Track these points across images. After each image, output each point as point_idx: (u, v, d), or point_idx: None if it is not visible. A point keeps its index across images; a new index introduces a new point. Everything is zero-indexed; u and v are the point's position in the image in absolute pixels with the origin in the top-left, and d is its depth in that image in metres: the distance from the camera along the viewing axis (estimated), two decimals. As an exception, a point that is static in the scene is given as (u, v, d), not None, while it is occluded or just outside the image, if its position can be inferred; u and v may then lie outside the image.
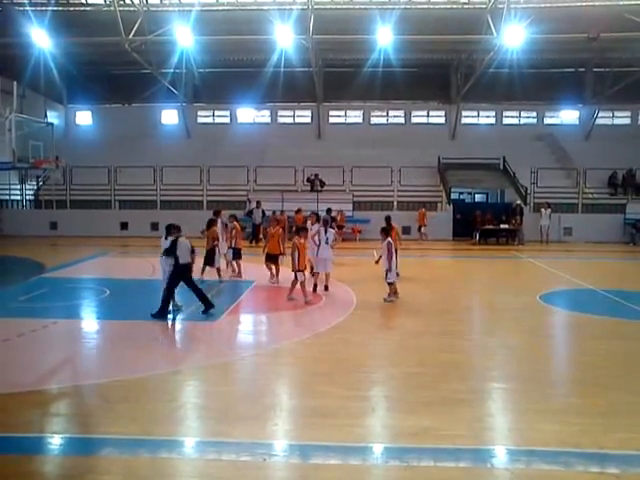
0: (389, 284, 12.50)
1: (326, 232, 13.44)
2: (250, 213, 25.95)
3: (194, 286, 11.02)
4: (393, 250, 12.55)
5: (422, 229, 26.23)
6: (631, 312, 11.70)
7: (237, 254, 15.14)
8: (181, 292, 11.11)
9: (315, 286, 13.39)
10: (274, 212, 22.68)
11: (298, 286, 12.35)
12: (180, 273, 10.71)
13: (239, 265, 15.26)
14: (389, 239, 12.59)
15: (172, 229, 11.05)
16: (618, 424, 6.13)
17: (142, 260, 17.59)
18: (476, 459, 5.37)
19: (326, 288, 13.55)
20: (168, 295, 10.79)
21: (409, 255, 22.35)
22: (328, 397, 6.83)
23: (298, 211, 21.71)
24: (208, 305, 10.95)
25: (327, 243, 13.36)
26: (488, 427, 6.18)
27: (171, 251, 10.71)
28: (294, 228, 14.52)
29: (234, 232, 15.02)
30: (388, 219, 16.61)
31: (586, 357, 8.77)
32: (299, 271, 12.17)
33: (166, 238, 11.06)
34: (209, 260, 14.31)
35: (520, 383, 7.51)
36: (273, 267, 14.39)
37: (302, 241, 12.48)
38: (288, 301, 12.24)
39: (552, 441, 5.68)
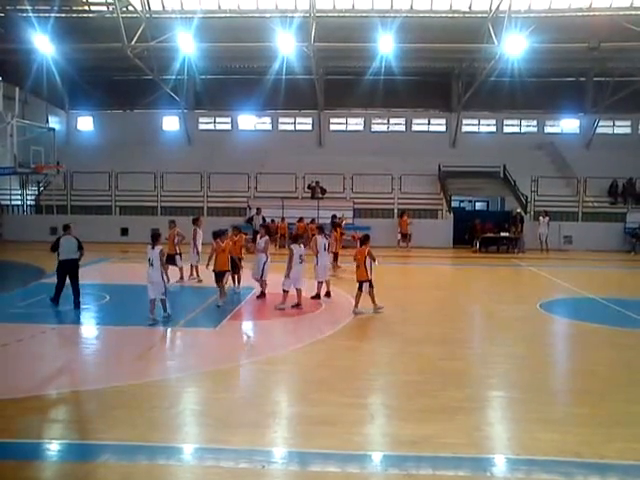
0: (284, 291, 12.29)
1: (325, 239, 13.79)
2: (250, 220, 25.96)
3: (74, 281, 12.07)
4: (297, 258, 12.27)
5: (406, 236, 25.81)
6: (631, 321, 11.68)
7: (172, 260, 15.05)
8: (179, 299, 11.07)
9: (318, 295, 13.41)
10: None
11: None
12: (60, 267, 11.97)
13: (181, 270, 15.63)
14: (293, 245, 12.52)
15: (158, 237, 10.95)
16: (619, 434, 6.10)
17: (142, 266, 17.35)
18: (476, 468, 5.34)
19: (327, 294, 13.61)
20: (58, 286, 12.10)
21: (409, 262, 22.39)
22: (327, 404, 6.81)
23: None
24: (77, 302, 11.96)
25: (326, 250, 13.67)
26: (488, 436, 6.16)
27: (55, 247, 11.94)
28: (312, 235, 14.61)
29: (176, 239, 15.36)
30: (334, 218, 16.77)
31: (586, 366, 8.75)
32: (366, 281, 11.84)
33: (153, 247, 10.72)
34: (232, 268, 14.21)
35: (520, 392, 7.49)
36: (222, 284, 12.59)
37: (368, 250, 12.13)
38: (356, 315, 11.80)
39: (552, 450, 5.65)
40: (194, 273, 15.90)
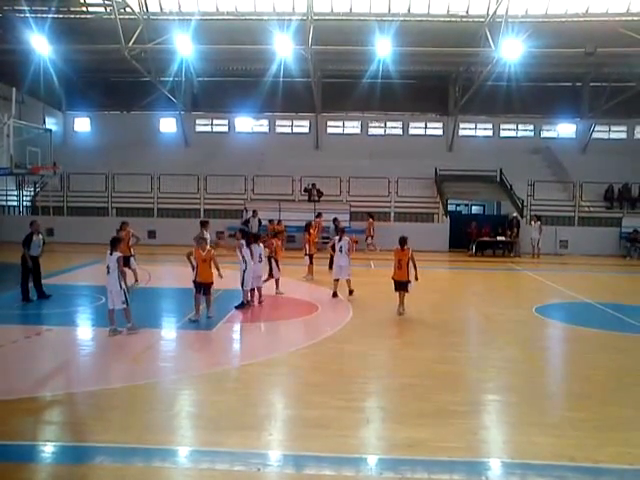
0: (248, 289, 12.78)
1: (340, 240, 14.44)
2: (247, 222, 25.92)
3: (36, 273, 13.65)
4: (256, 257, 12.58)
5: (369, 240, 25.71)
6: (627, 325, 11.72)
7: (127, 262, 14.16)
8: (177, 301, 11.00)
9: (334, 293, 14.10)
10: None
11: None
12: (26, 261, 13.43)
13: (135, 272, 15.44)
14: (253, 245, 12.62)
15: (117, 242, 10.40)
16: (613, 438, 6.11)
17: (137, 268, 17.50)
18: (471, 472, 5.35)
19: (350, 292, 14.29)
20: (34, 277, 13.76)
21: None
22: (323, 407, 6.81)
23: None
24: (24, 296, 13.18)
25: (341, 251, 14.29)
26: (483, 440, 6.16)
27: (25, 243, 13.61)
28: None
29: (131, 240, 15.34)
30: (335, 221, 17.30)
31: (582, 370, 8.77)
32: (408, 282, 12.08)
33: (111, 253, 10.03)
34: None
35: (515, 396, 7.50)
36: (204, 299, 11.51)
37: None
38: (400, 315, 12.05)
39: (547, 454, 5.66)
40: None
